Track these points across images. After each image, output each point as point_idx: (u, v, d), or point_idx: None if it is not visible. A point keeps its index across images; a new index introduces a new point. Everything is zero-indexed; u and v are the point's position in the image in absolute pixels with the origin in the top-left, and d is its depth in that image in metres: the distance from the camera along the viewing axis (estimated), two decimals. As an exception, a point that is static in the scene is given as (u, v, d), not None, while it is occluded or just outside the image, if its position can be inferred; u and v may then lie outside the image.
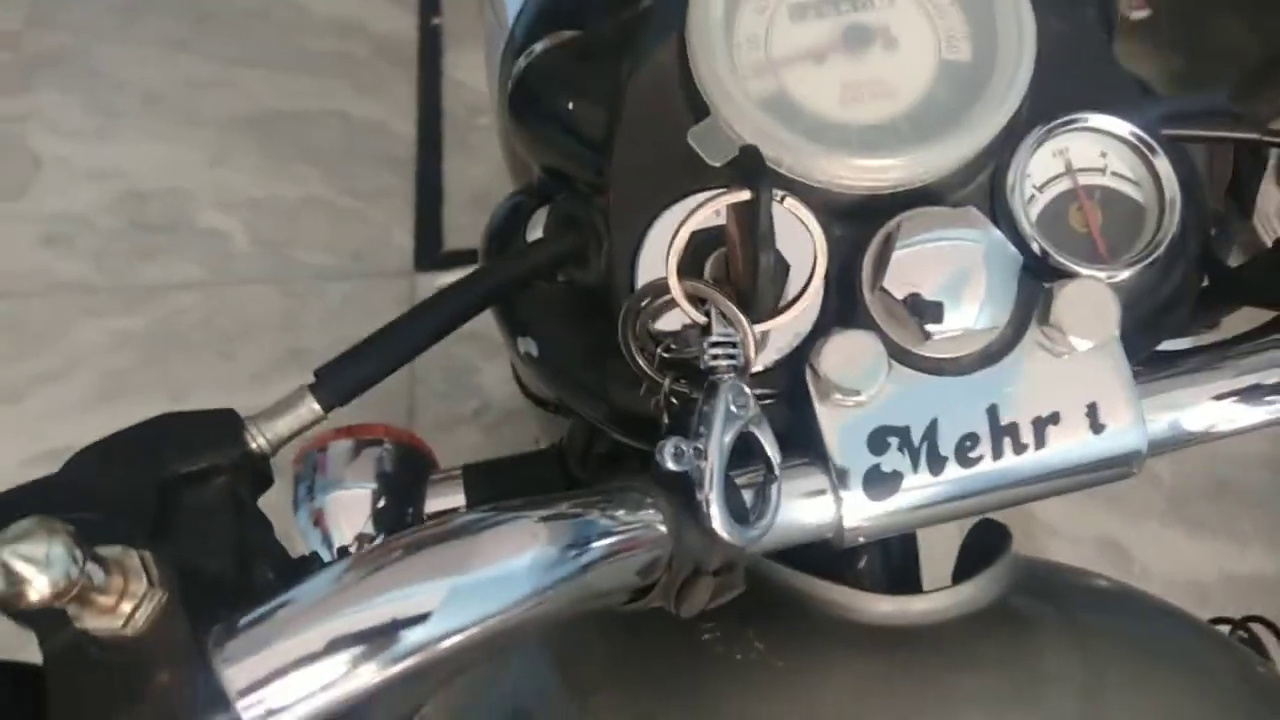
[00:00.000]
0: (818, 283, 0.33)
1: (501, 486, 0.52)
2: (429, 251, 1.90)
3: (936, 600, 0.44)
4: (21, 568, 0.23)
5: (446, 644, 0.28)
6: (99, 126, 2.06)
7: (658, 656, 0.45)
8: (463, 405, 1.72)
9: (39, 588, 0.23)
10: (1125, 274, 0.37)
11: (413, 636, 0.28)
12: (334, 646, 0.27)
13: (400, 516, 0.50)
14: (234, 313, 1.82)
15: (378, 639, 0.27)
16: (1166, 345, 0.43)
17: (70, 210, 1.94)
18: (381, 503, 0.57)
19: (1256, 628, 0.62)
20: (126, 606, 0.25)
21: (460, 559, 0.29)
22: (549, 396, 0.69)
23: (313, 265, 1.89)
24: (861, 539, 0.37)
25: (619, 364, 0.36)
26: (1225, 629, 0.59)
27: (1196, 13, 2.26)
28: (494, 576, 0.29)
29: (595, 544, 0.31)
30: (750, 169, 0.30)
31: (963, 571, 0.47)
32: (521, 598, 0.30)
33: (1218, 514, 1.66)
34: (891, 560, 0.49)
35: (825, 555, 0.48)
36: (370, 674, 0.27)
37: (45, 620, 0.26)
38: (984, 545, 0.48)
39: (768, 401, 0.36)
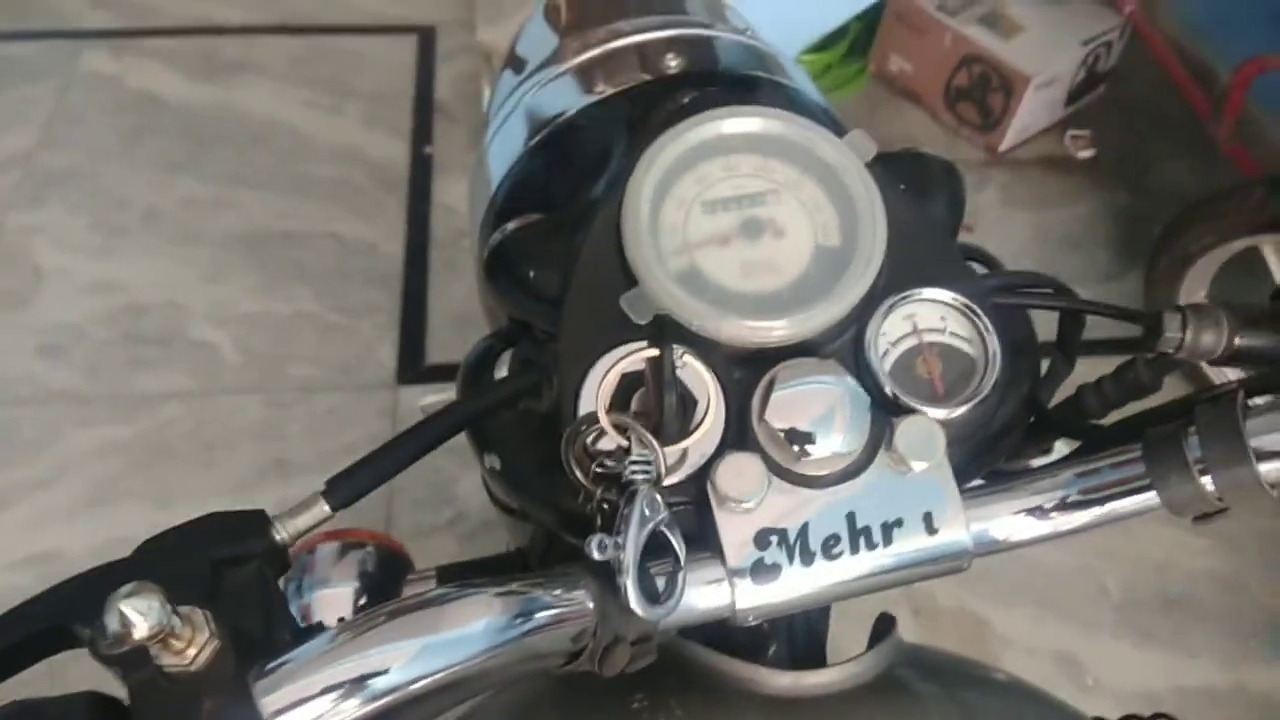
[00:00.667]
0: (713, 415, 0.43)
1: None
2: (412, 366, 1.99)
3: (830, 674, 0.53)
4: (131, 616, 0.33)
5: (419, 685, 0.39)
6: (101, 243, 2.17)
7: None
8: (439, 514, 1.79)
9: (140, 631, 0.34)
10: (958, 411, 0.48)
11: (394, 679, 0.38)
12: (337, 684, 0.38)
13: None
14: (221, 423, 1.90)
15: (368, 679, 0.38)
16: (1009, 467, 0.53)
17: (67, 321, 2.03)
18: (363, 600, 0.66)
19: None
20: (192, 651, 0.36)
21: (432, 622, 0.40)
22: (513, 504, 0.79)
23: (299, 378, 1.97)
24: (751, 618, 0.46)
25: (564, 477, 0.46)
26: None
27: (1140, 156, 2.45)
28: (457, 636, 0.39)
29: (537, 615, 0.41)
30: (660, 333, 0.40)
31: None
32: (477, 653, 0.40)
33: (1168, 627, 1.73)
34: (797, 643, 0.59)
35: (743, 638, 0.58)
36: (360, 707, 0.38)
37: (127, 661, 0.36)
38: (879, 633, 0.57)
39: (680, 508, 0.46)
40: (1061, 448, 0.54)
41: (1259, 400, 0.44)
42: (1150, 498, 0.45)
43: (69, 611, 0.39)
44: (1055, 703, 0.58)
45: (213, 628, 0.37)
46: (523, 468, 0.51)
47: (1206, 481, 0.43)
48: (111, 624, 0.33)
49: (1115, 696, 1.67)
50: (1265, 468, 0.42)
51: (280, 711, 0.37)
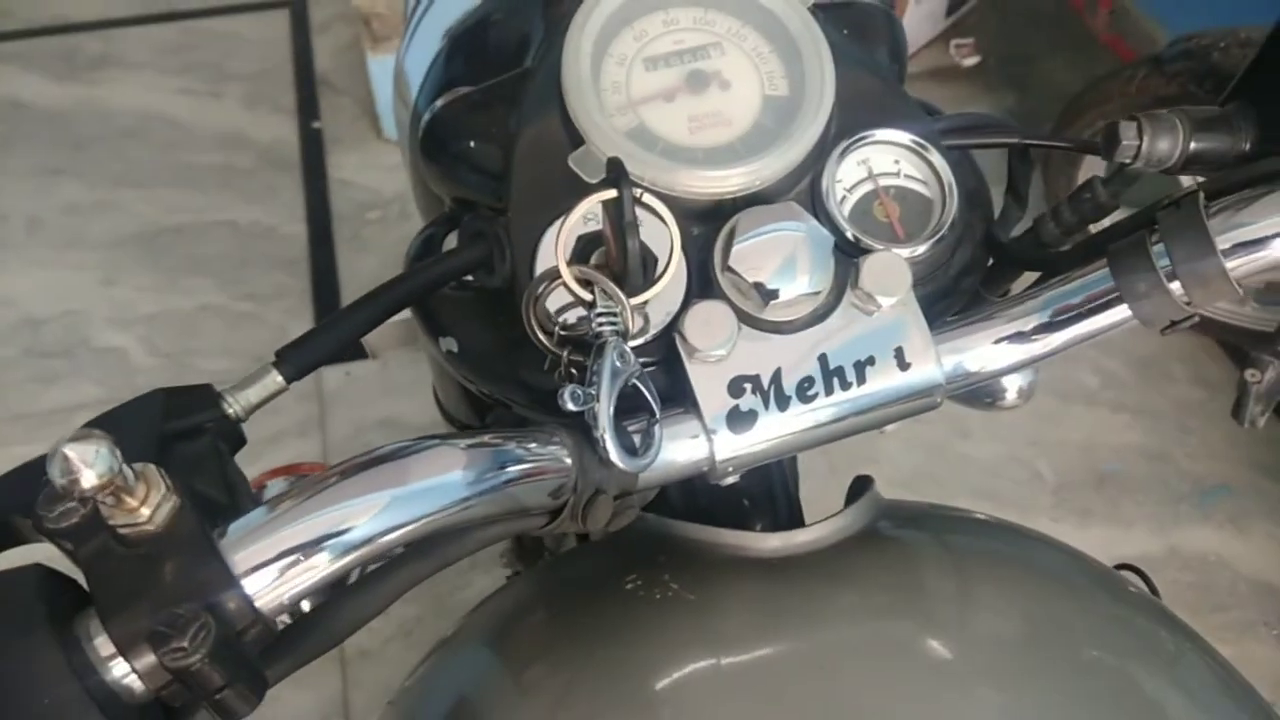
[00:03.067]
0: (676, 259, 0.41)
1: None
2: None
3: (815, 531, 0.53)
4: (76, 460, 0.30)
5: (394, 535, 0.37)
6: (-17, 259, 2.07)
7: (587, 615, 0.52)
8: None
9: (89, 478, 0.31)
10: (920, 249, 0.48)
11: (362, 531, 0.37)
12: (306, 540, 0.36)
13: None
14: None
15: (337, 533, 0.36)
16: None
17: (-40, 344, 1.94)
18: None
19: (1128, 575, 0.68)
20: (147, 509, 0.33)
21: (398, 474, 0.38)
22: (466, 418, 0.77)
23: (214, 371, 1.90)
24: (731, 470, 0.45)
25: (526, 350, 0.44)
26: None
27: (1022, 57, 2.50)
28: (427, 487, 0.38)
29: (511, 467, 0.40)
30: (616, 173, 0.39)
31: None
32: (450, 504, 0.38)
33: (1102, 502, 1.79)
34: (777, 509, 0.59)
35: (725, 510, 0.57)
36: (335, 560, 0.36)
37: (78, 533, 0.33)
38: (856, 494, 0.57)
39: (650, 368, 0.45)
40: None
41: (1219, 202, 0.44)
42: (1120, 311, 0.45)
43: (5, 504, 0.36)
44: (1039, 536, 0.59)
45: (169, 483, 0.34)
46: (482, 346, 0.50)
47: (1175, 286, 0.43)
48: (56, 473, 0.30)
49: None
50: (1231, 264, 0.43)
51: (252, 569, 0.35)
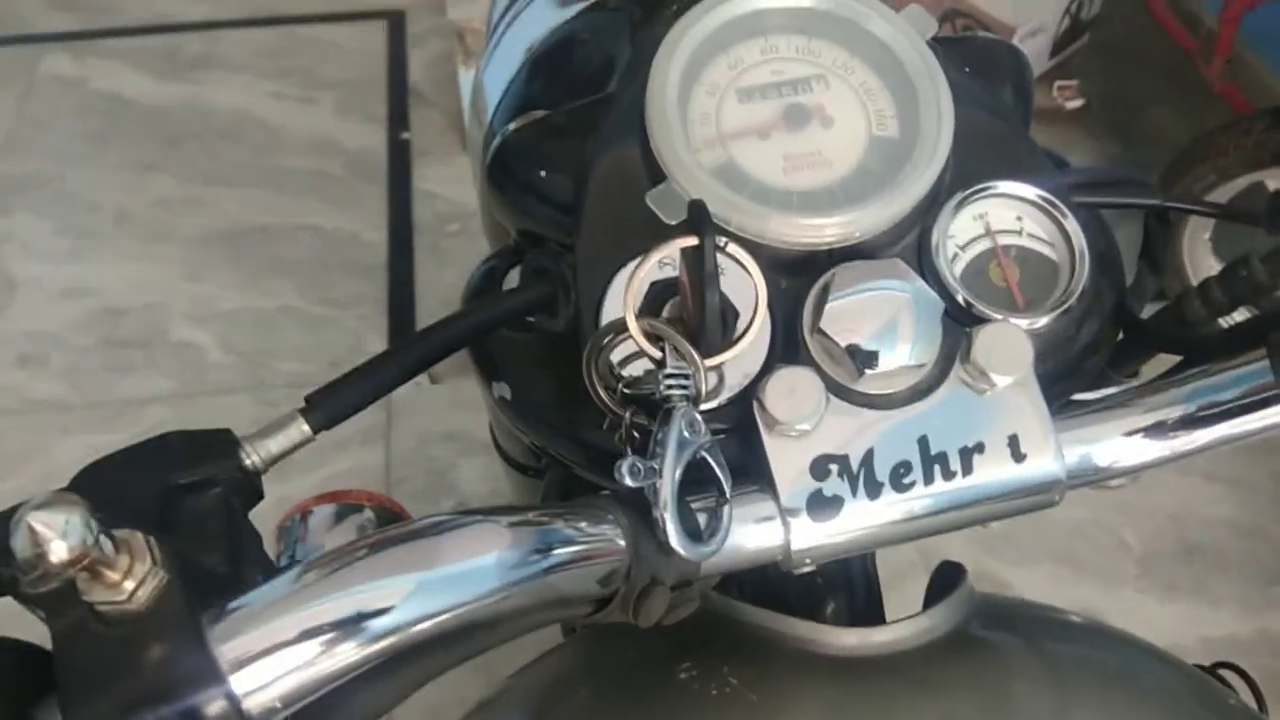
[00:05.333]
0: (761, 317, 0.37)
1: None
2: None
3: (898, 630, 0.47)
4: (43, 531, 0.26)
5: (414, 631, 0.32)
6: (72, 247, 2.10)
7: (638, 699, 0.47)
8: (438, 505, 1.73)
9: (58, 551, 0.26)
10: (1042, 321, 0.42)
11: (381, 623, 0.31)
12: (314, 630, 0.30)
13: None
14: (210, 423, 1.79)
15: (351, 624, 0.31)
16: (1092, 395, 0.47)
17: (45, 330, 1.97)
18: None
19: (1229, 675, 0.62)
20: (130, 584, 0.29)
21: (429, 554, 0.33)
22: (522, 458, 0.72)
23: (287, 373, 1.91)
24: (809, 562, 0.40)
25: (586, 405, 0.40)
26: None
27: (1130, 101, 2.40)
28: (460, 572, 0.33)
29: (558, 550, 0.34)
30: (698, 218, 0.34)
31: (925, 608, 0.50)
32: (484, 593, 0.33)
33: (1189, 577, 1.69)
34: (855, 600, 0.52)
35: (796, 595, 0.52)
36: (346, 656, 0.31)
37: (54, 601, 0.29)
38: (943, 584, 0.51)
39: (721, 436, 0.39)
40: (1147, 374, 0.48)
41: None
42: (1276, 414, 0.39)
43: None
44: (1142, 645, 0.52)
45: (157, 556, 0.29)
46: (538, 395, 0.45)
47: None
48: (20, 545, 0.26)
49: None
50: None
51: (242, 662, 0.29)
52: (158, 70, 2.46)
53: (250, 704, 0.29)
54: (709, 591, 0.48)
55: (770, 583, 0.52)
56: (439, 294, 2.02)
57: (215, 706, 0.29)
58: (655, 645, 0.50)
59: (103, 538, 0.27)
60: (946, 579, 0.51)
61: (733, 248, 0.36)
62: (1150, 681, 0.50)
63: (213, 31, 2.56)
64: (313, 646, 0.30)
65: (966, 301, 0.41)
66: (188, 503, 0.34)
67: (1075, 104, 2.42)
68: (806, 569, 0.41)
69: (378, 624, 0.31)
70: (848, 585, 0.52)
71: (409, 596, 0.32)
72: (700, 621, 0.49)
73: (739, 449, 0.40)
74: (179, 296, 2.03)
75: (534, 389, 0.45)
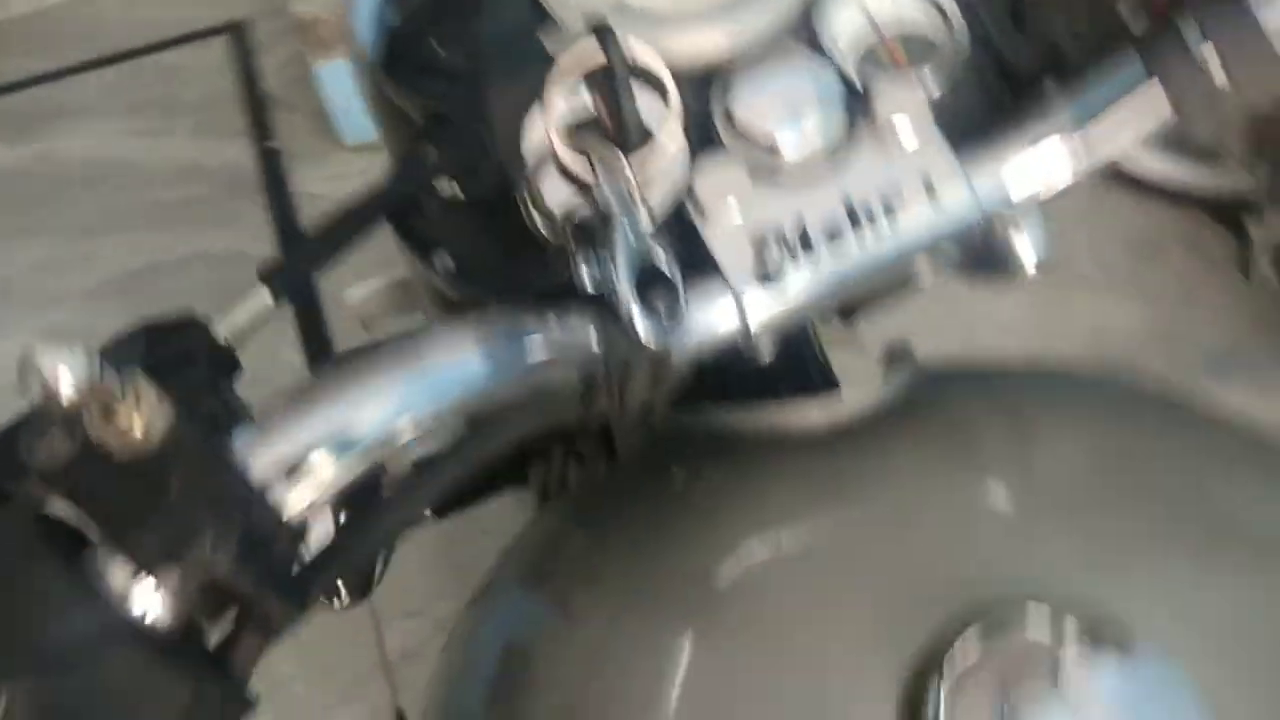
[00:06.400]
0: (674, 104, 0.39)
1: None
2: (321, 358, 1.90)
3: (859, 395, 0.51)
4: (48, 369, 0.27)
5: (417, 420, 0.35)
6: (-42, 329, 2.04)
7: (629, 530, 0.49)
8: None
9: (66, 385, 0.27)
10: (930, 82, 0.45)
11: (380, 421, 0.34)
12: (326, 434, 0.34)
13: None
14: None
15: (354, 426, 0.34)
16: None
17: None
18: (343, 515, 0.61)
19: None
20: (140, 420, 0.29)
21: (415, 356, 0.36)
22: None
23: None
24: (767, 335, 0.43)
25: (531, 253, 0.42)
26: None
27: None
28: (451, 364, 0.36)
29: (534, 345, 0.38)
30: (602, 31, 0.36)
31: None
32: (478, 385, 0.36)
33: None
34: (812, 380, 0.57)
35: (758, 392, 0.55)
36: (358, 456, 0.34)
37: (71, 472, 0.29)
38: (893, 361, 0.54)
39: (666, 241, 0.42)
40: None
41: None
42: (1158, 101, 0.42)
43: None
44: (1093, 376, 0.56)
45: (162, 393, 0.30)
46: (483, 258, 0.47)
47: (1215, 69, 0.40)
48: (30, 388, 0.27)
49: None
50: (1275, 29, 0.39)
51: (269, 476, 0.32)
52: (5, 136, 2.38)
53: (279, 506, 0.32)
54: (679, 412, 0.51)
55: (732, 389, 0.55)
56: (343, 292, 2.00)
57: (249, 511, 0.31)
58: (636, 476, 0.53)
59: (107, 370, 0.28)
60: (896, 356, 0.54)
61: (639, 50, 0.38)
62: (1112, 401, 0.53)
63: (57, 82, 2.48)
64: (322, 450, 0.33)
65: (863, 84, 0.44)
66: (173, 377, 0.35)
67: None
68: (765, 351, 0.44)
69: (376, 425, 0.34)
70: (801, 368, 0.56)
71: (408, 393, 0.35)
72: (674, 443, 0.52)
73: (686, 249, 0.42)
74: (82, 352, 1.98)
75: (475, 252, 0.47)
